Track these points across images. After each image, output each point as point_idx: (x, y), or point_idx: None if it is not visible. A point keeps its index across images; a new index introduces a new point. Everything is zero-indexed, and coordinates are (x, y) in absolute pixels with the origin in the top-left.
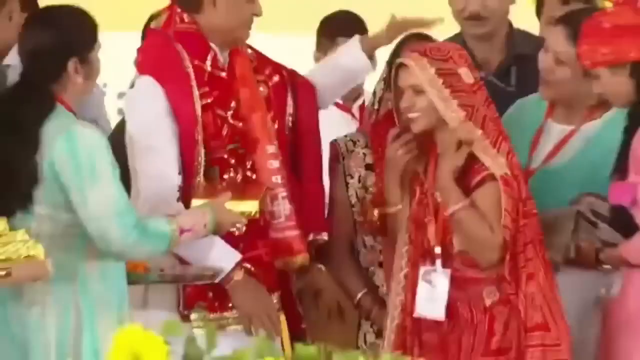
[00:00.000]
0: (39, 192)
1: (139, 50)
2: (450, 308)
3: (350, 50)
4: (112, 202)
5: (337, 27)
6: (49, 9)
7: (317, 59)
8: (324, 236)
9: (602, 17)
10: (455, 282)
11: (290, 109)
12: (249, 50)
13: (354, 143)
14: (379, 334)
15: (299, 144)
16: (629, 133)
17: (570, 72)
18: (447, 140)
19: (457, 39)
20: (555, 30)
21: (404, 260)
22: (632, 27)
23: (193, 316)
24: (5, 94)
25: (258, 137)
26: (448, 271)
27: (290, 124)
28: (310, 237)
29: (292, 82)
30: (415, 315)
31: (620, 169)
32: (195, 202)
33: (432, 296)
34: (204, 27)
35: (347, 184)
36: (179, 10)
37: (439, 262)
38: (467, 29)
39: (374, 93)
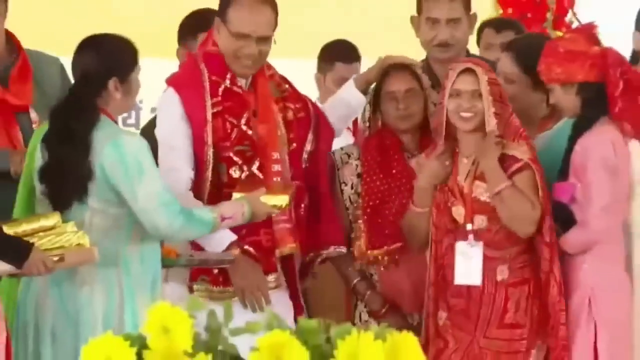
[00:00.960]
0: (93, 190)
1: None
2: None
3: (348, 90)
4: (157, 194)
5: (335, 53)
6: (96, 36)
7: (317, 79)
8: (343, 249)
9: (559, 42)
10: None
11: (309, 144)
12: (286, 85)
13: (348, 155)
14: (372, 313)
15: (313, 170)
16: (572, 141)
17: (518, 88)
18: (475, 140)
19: (424, 62)
20: (503, 56)
21: (430, 240)
22: (581, 53)
23: (195, 287)
24: (58, 107)
25: (266, 144)
26: (480, 243)
27: (306, 155)
28: (332, 249)
29: (317, 120)
30: (455, 283)
31: (565, 171)
32: (235, 195)
33: (469, 266)
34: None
35: (342, 190)
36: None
37: (471, 236)
38: (435, 54)
39: (363, 114)
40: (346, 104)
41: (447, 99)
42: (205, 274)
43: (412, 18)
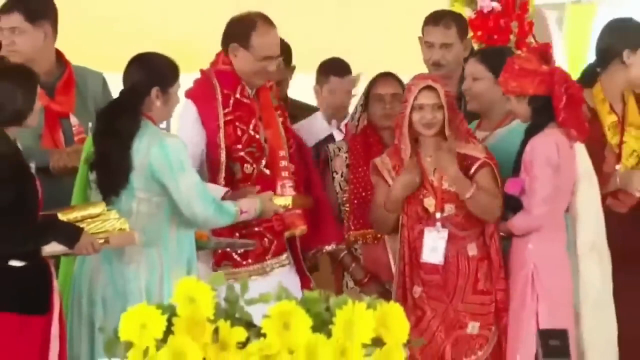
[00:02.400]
0: (140, 183)
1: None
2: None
3: (314, 121)
4: (195, 186)
5: (330, 68)
6: (145, 54)
7: (315, 90)
8: (342, 245)
9: (516, 60)
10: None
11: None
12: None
13: (339, 149)
14: (356, 282)
15: (306, 180)
16: (524, 143)
17: (484, 85)
18: (435, 144)
19: None
20: (471, 60)
21: (400, 224)
22: (533, 71)
23: (221, 270)
24: (106, 108)
25: (272, 145)
26: (446, 229)
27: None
28: (332, 245)
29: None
30: (421, 260)
31: (518, 168)
32: (250, 196)
33: (435, 248)
34: (236, 69)
35: (333, 178)
36: (224, 55)
37: (439, 224)
38: (431, 71)
39: (352, 116)
40: (307, 130)
41: (411, 111)
42: (227, 259)
43: (419, 39)
